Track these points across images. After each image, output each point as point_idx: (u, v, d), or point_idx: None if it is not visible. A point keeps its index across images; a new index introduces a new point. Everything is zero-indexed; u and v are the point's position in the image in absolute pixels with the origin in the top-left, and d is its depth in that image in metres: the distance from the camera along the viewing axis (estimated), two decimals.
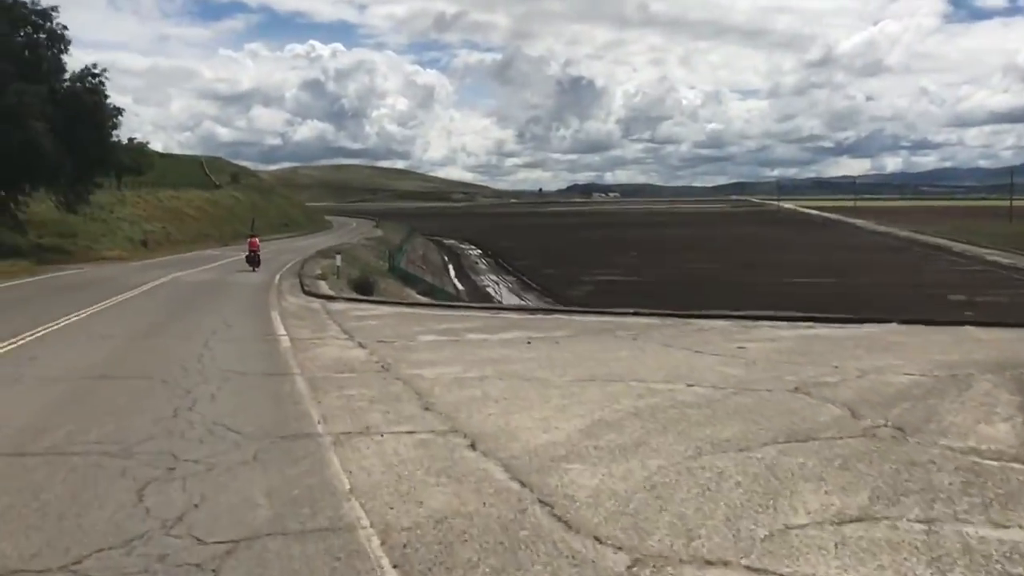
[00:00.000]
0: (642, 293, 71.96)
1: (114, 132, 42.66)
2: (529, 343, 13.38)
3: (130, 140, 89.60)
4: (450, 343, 13.43)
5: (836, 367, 11.17)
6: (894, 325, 16.62)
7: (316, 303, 21.11)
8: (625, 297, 69.34)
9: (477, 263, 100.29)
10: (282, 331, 14.70)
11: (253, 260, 35.22)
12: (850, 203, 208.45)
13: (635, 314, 18.05)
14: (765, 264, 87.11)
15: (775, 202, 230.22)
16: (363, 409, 8.19)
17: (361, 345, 13.00)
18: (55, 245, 44.49)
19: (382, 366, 10.93)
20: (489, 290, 76.10)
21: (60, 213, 45.79)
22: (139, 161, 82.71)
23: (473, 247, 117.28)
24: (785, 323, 17.24)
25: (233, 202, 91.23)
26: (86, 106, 40.40)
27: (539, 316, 18.03)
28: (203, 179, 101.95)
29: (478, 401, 8.61)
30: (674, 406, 8.45)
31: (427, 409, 8.22)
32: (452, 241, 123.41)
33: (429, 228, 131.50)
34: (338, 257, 33.14)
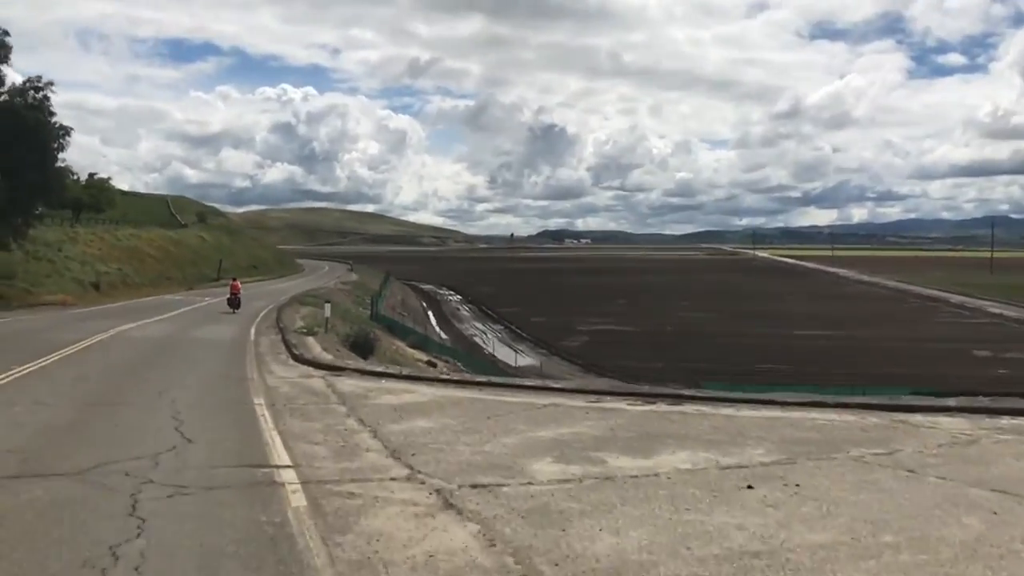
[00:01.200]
0: (642, 345, 65.96)
1: (60, 155, 35.65)
2: (751, 488, 7.06)
3: (91, 176, 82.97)
4: (607, 488, 6.96)
5: None
6: None
7: (316, 378, 14.47)
8: (626, 348, 63.39)
9: (459, 310, 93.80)
10: (283, 457, 7.92)
11: (234, 303, 34.56)
12: (824, 252, 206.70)
13: (812, 404, 11.74)
14: (762, 315, 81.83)
15: (749, 250, 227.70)
16: None
17: (448, 502, 6.42)
18: None
19: None
20: (476, 340, 69.49)
21: None
22: (98, 198, 75.86)
23: (452, 293, 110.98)
24: None
25: (199, 243, 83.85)
26: (26, 124, 33.51)
27: (665, 407, 11.65)
28: (168, 218, 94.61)
29: None
30: None
31: None
32: (429, 286, 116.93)
33: (403, 272, 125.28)
34: (327, 307, 26.43)
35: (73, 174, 36.30)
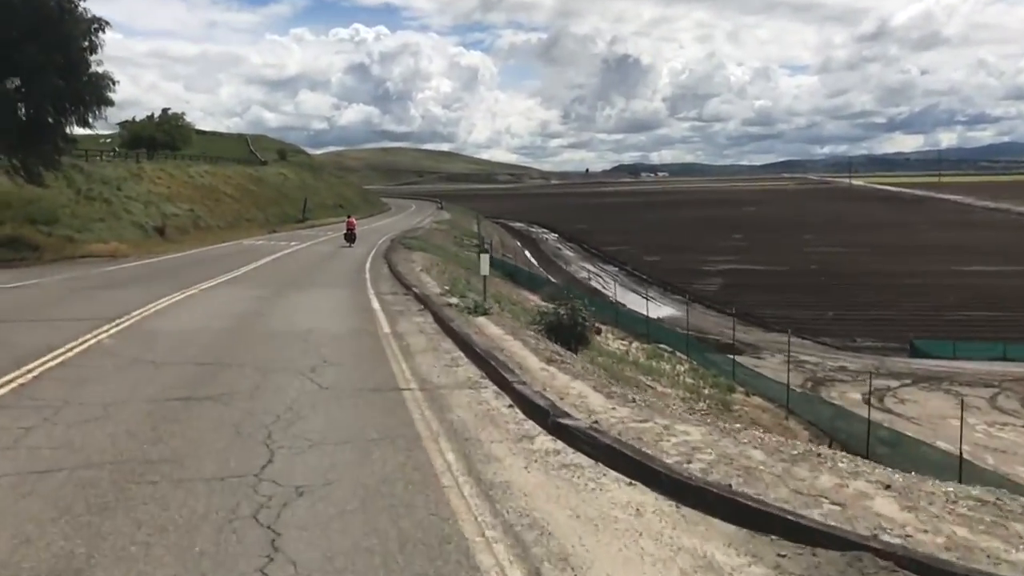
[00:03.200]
0: (791, 288, 53.10)
1: (92, 56, 25.30)
2: None
3: (164, 111, 73.96)
4: None
5: None
6: None
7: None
8: (773, 293, 50.37)
9: (559, 249, 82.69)
10: None
11: (350, 237, 35.41)
12: (923, 179, 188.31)
13: None
14: (909, 249, 68.21)
15: (839, 179, 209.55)
16: None
17: None
18: (16, 235, 27.83)
19: None
20: (594, 284, 58.48)
21: (29, 187, 29.07)
22: (172, 134, 66.96)
23: (545, 230, 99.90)
24: None
25: (281, 180, 74.19)
26: (48, 13, 23.37)
27: None
28: (247, 156, 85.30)
29: None
30: None
31: None
32: (520, 224, 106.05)
33: (487, 210, 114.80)
34: (484, 260, 15.28)
35: (115, 82, 25.87)
